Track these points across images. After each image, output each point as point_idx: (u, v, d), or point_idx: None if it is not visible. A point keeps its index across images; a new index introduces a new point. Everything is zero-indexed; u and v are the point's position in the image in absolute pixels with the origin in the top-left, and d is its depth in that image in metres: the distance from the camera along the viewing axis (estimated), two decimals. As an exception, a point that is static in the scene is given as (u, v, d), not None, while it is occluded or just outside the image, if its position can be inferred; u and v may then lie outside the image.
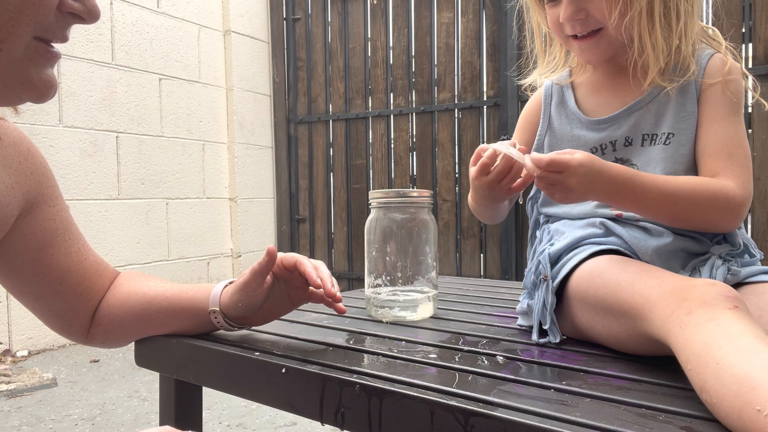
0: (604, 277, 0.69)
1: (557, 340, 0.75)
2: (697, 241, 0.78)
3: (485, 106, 3.20)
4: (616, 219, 0.81)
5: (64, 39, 0.55)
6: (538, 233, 0.91)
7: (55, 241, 0.74)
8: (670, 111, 0.81)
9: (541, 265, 0.80)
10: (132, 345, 0.84)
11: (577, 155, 0.70)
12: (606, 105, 0.86)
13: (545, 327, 0.77)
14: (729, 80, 0.80)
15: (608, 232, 0.80)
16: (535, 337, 0.77)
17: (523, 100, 3.05)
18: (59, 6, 0.52)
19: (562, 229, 0.84)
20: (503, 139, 0.83)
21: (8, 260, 0.72)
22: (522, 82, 0.98)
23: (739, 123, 0.80)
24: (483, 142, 3.21)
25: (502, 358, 0.69)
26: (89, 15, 0.55)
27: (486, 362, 0.67)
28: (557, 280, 0.76)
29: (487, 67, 3.20)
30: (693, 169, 0.81)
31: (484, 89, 3.22)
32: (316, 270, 0.71)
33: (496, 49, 3.14)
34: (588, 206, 0.84)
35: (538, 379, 0.60)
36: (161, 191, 3.19)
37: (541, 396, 0.55)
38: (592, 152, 0.84)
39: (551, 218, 0.90)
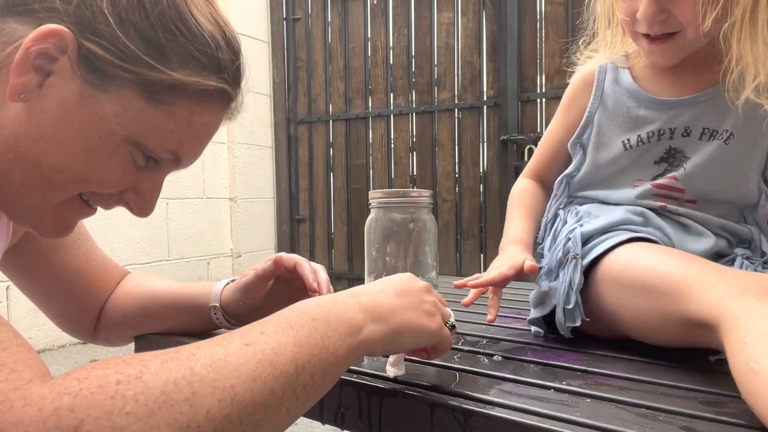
0: (650, 259, 0.67)
1: (577, 323, 0.73)
2: (729, 243, 0.78)
3: (485, 106, 3.19)
4: (658, 211, 0.79)
5: (106, 208, 0.58)
6: (561, 213, 0.87)
7: (64, 242, 0.75)
8: (736, 110, 0.75)
9: (570, 243, 0.76)
10: (132, 345, 0.84)
11: None
12: (668, 90, 0.81)
13: (569, 307, 0.73)
14: None
15: (647, 223, 0.78)
16: (561, 318, 0.74)
17: (522, 100, 3.05)
18: (121, 192, 0.55)
19: (594, 212, 0.81)
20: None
21: (20, 262, 0.73)
22: (582, 66, 0.91)
23: None
24: (483, 142, 3.21)
25: (501, 357, 0.69)
26: (140, 212, 0.59)
27: (486, 362, 0.67)
28: (588, 260, 0.73)
29: (487, 67, 3.20)
30: (757, 174, 0.78)
31: (484, 89, 3.22)
32: (314, 273, 0.71)
33: (496, 49, 3.14)
34: (631, 193, 0.81)
35: (538, 379, 0.60)
36: (161, 191, 3.19)
37: (540, 396, 0.55)
38: (649, 137, 0.80)
39: (579, 200, 0.87)
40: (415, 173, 3.46)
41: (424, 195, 0.92)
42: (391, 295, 0.53)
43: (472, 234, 3.26)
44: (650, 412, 0.50)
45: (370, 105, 3.60)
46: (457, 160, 3.31)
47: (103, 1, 0.48)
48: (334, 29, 3.69)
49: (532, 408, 0.51)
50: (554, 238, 0.83)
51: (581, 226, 0.78)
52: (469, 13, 3.23)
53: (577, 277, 0.73)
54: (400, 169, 3.51)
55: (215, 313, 0.76)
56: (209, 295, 0.76)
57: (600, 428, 0.47)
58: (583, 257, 0.74)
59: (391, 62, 3.50)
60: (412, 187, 3.42)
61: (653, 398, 0.54)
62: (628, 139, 0.82)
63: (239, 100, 0.60)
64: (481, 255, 3.23)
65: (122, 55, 0.48)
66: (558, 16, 2.97)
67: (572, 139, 0.87)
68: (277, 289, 0.76)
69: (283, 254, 0.74)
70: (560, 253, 0.78)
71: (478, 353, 0.71)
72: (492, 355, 0.69)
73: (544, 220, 0.90)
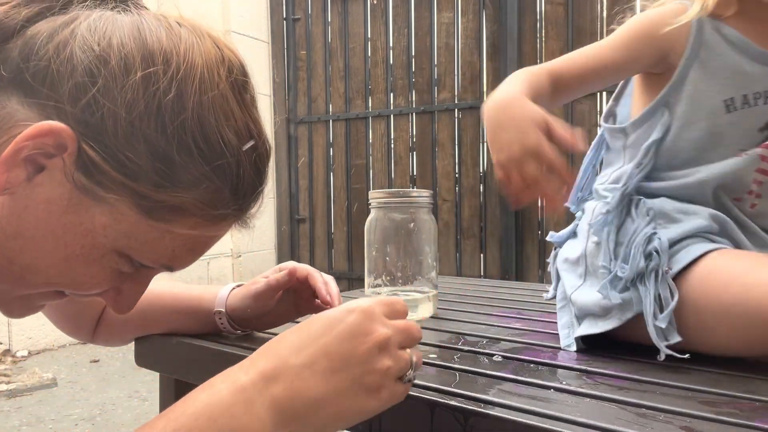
0: (757, 276, 0.61)
1: (675, 341, 0.65)
2: None
3: (485, 106, 3.20)
4: (741, 212, 0.73)
5: (82, 298, 0.53)
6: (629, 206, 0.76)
7: None
8: None
9: (653, 248, 0.68)
10: (132, 345, 0.84)
11: None
12: None
13: (662, 326, 0.65)
14: None
15: (723, 233, 0.71)
16: (656, 337, 0.65)
17: (523, 100, 3.05)
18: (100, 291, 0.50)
19: (670, 212, 0.72)
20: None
21: None
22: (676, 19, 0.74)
23: None
24: (483, 142, 3.21)
25: (501, 357, 0.69)
26: (117, 311, 0.53)
27: (486, 362, 0.67)
28: (674, 271, 0.66)
29: (487, 67, 3.20)
30: None
31: (484, 89, 3.22)
32: (326, 285, 0.72)
33: (496, 49, 3.14)
34: (740, 163, 0.73)
35: (538, 379, 0.60)
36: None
37: (541, 396, 0.55)
38: (756, 98, 0.72)
39: (651, 180, 0.77)
40: (415, 173, 3.46)
41: (424, 195, 0.93)
42: (321, 372, 0.43)
43: (472, 234, 3.26)
44: (650, 412, 0.50)
45: (370, 105, 3.60)
46: (457, 160, 3.31)
47: (119, 104, 0.42)
48: (334, 29, 3.69)
49: (532, 408, 0.51)
50: (617, 233, 0.74)
51: (654, 231, 0.70)
52: (469, 13, 3.23)
53: (668, 293, 0.66)
54: (400, 169, 3.51)
55: (220, 318, 0.76)
56: (214, 299, 0.76)
57: (600, 428, 0.47)
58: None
59: (391, 62, 3.51)
60: (412, 187, 3.42)
61: (653, 398, 0.54)
62: (732, 99, 0.73)
63: (253, 212, 0.52)
64: (481, 255, 3.23)
65: (124, 170, 0.42)
66: (558, 16, 2.97)
67: (657, 98, 0.77)
68: (285, 298, 0.77)
69: (296, 265, 0.74)
70: (640, 263, 0.69)
71: (478, 353, 0.71)
72: (492, 355, 0.69)
73: (622, 189, 0.76)
